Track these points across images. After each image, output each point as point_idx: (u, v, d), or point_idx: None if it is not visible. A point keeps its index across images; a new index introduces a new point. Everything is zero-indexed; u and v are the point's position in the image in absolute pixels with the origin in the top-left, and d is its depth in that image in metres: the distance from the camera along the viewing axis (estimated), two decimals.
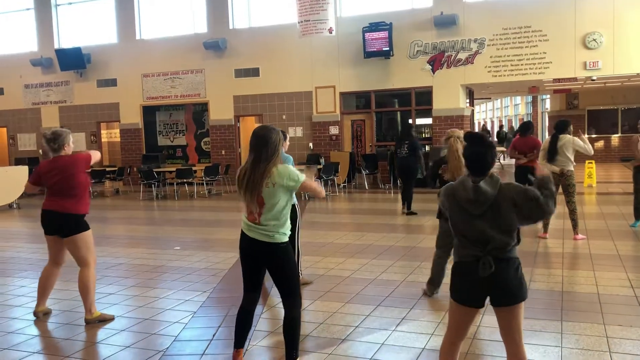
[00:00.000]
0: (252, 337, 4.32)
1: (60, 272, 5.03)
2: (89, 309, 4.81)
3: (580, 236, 7.59)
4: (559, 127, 7.72)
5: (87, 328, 4.69)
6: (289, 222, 3.56)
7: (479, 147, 2.93)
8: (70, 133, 4.88)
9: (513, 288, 2.87)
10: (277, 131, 3.53)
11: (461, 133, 4.90)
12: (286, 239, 3.54)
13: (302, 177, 3.48)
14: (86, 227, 4.83)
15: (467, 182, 2.89)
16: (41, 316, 4.94)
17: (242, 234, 3.62)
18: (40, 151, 19.29)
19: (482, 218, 2.84)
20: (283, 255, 3.53)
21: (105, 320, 4.82)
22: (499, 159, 21.19)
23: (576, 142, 7.64)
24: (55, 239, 4.86)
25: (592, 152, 7.83)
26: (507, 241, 2.84)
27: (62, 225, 4.76)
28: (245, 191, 3.45)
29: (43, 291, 4.97)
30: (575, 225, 7.64)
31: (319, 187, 3.72)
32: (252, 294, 3.73)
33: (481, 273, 2.81)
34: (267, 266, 3.60)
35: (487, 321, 4.36)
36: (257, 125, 17.84)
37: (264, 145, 3.41)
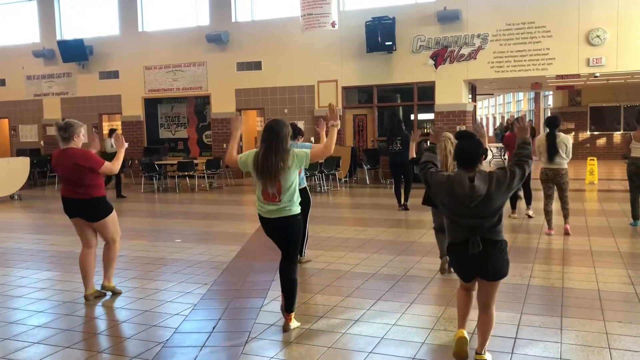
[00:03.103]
0: (252, 330, 4.33)
1: (95, 253, 5.22)
2: (109, 278, 5.24)
3: (568, 227, 7.66)
4: (554, 123, 7.67)
5: (87, 319, 4.71)
6: (298, 194, 4.20)
7: (469, 142, 3.30)
8: (82, 125, 5.07)
9: (499, 267, 3.34)
10: (287, 124, 4.15)
11: (451, 135, 5.26)
12: (299, 210, 4.21)
13: (308, 151, 4.19)
14: (111, 209, 5.16)
15: (464, 179, 3.21)
16: (92, 299, 5.10)
17: (262, 218, 4.21)
18: (42, 142, 19.30)
19: (474, 208, 3.22)
20: (297, 224, 4.21)
21: (116, 292, 5.27)
22: (501, 155, 21.22)
23: (569, 140, 7.64)
24: (80, 221, 5.06)
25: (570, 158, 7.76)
26: (493, 223, 3.27)
27: (87, 210, 5.00)
28: (262, 176, 4.04)
29: (86, 274, 5.13)
30: (567, 216, 7.70)
31: (327, 145, 4.31)
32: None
33: (471, 250, 3.24)
34: (283, 234, 4.20)
35: None
36: (258, 119, 17.85)
37: (276, 137, 4.02)
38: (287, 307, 4.28)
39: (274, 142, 4.01)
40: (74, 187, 4.98)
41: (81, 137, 5.00)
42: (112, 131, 13.88)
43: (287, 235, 4.20)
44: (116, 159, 5.22)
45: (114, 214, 5.20)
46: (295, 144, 6.04)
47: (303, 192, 5.94)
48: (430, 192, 3.49)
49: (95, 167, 4.96)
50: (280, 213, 4.12)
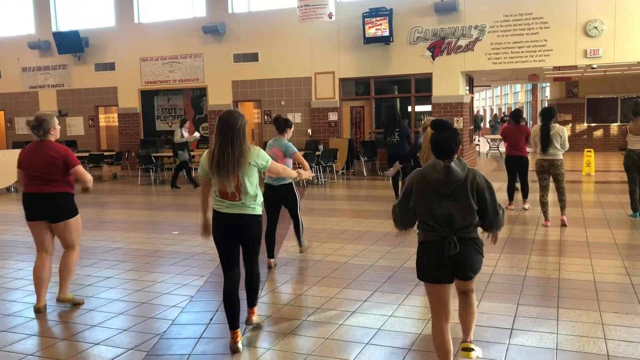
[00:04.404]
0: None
1: (51, 261, 4.81)
2: (65, 290, 4.79)
3: (565, 218, 7.68)
4: (549, 115, 7.68)
5: (84, 311, 4.71)
6: (260, 196, 3.93)
7: (444, 132, 3.14)
8: (54, 116, 4.76)
9: (474, 266, 3.17)
10: (243, 116, 3.80)
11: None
12: (260, 211, 3.93)
13: (270, 160, 3.97)
14: (77, 211, 4.78)
15: (438, 164, 3.09)
16: (44, 310, 4.67)
17: (220, 214, 3.82)
18: None
19: (450, 198, 3.06)
20: (257, 225, 3.92)
21: (77, 303, 4.83)
22: (497, 147, 21.25)
23: (565, 132, 7.64)
24: (41, 224, 4.69)
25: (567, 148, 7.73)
26: (470, 221, 3.09)
27: (54, 207, 4.65)
28: (219, 173, 3.70)
29: (41, 284, 4.70)
30: (563, 207, 7.73)
31: (285, 169, 4.43)
32: (233, 270, 3.89)
33: (447, 252, 3.03)
34: (243, 236, 3.87)
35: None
36: (255, 111, 17.80)
37: (231, 130, 3.68)
38: (250, 301, 4.14)
39: (229, 135, 3.65)
40: (42, 182, 4.58)
41: (57, 127, 4.69)
42: (183, 121, 13.79)
43: (244, 234, 3.85)
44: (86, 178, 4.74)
45: (79, 217, 4.80)
46: (281, 139, 5.95)
47: (289, 187, 5.99)
48: (411, 202, 3.17)
49: (71, 163, 4.59)
50: (241, 210, 3.78)
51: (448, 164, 3.06)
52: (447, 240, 3.03)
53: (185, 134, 13.44)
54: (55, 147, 4.65)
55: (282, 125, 5.93)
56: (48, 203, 4.64)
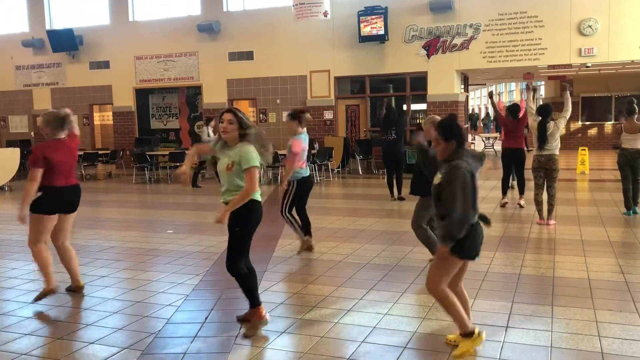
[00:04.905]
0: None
1: None
2: (79, 277, 5.20)
3: (552, 222, 7.68)
4: (545, 112, 7.70)
5: (79, 310, 4.69)
6: None
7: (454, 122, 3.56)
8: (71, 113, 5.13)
9: None
10: None
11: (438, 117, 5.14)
12: None
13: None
14: None
15: (475, 151, 3.58)
16: (57, 290, 4.94)
17: (259, 202, 4.07)
18: (32, 133, 19.15)
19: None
20: None
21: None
22: (492, 145, 21.30)
23: (560, 123, 7.66)
24: (56, 218, 4.90)
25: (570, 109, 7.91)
26: None
27: (79, 196, 5.05)
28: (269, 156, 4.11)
29: (49, 266, 4.90)
30: (551, 211, 7.72)
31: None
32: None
33: (488, 225, 3.59)
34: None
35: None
36: (250, 109, 17.76)
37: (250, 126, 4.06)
38: (256, 300, 4.14)
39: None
40: (68, 175, 4.91)
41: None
42: (209, 119, 13.76)
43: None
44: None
45: None
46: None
47: (309, 178, 6.51)
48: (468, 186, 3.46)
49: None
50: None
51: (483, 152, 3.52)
52: (482, 215, 3.53)
53: (212, 133, 13.41)
54: (71, 142, 5.04)
55: (299, 119, 6.38)
56: (77, 193, 5.02)
